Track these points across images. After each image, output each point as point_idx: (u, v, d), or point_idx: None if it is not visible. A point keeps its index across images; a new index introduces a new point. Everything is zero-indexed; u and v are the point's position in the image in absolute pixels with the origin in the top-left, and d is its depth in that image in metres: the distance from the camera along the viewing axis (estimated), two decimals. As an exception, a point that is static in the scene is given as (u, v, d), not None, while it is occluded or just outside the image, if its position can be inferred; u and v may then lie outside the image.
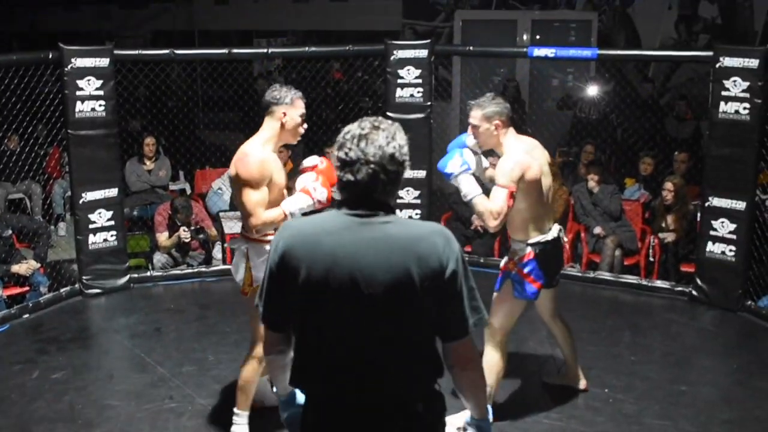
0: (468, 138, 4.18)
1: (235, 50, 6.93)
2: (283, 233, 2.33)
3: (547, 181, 4.15)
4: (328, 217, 2.31)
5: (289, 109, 3.94)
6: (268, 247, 3.92)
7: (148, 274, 6.83)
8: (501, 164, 4.01)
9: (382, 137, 2.26)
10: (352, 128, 2.30)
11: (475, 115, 4.08)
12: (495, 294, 4.29)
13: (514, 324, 4.33)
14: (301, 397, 2.45)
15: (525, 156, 4.03)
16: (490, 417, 2.58)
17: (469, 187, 4.03)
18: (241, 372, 4.16)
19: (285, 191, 4.10)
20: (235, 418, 4.20)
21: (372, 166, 2.23)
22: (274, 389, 2.76)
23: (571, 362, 4.78)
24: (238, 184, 3.89)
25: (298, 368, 2.35)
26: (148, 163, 8.05)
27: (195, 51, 7.21)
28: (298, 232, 2.29)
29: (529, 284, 4.14)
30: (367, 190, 2.25)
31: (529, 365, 5.11)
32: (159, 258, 6.99)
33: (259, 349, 4.00)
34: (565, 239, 4.39)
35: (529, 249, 4.15)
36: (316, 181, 3.98)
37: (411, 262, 2.19)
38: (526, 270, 4.14)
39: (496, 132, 4.06)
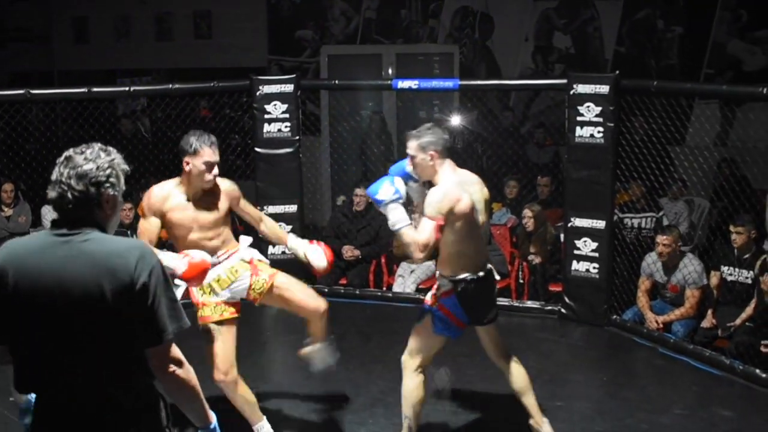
0: (408, 165, 4.12)
1: (95, 89, 6.72)
2: None
3: (481, 218, 4.06)
4: (37, 237, 2.47)
5: (192, 159, 4.01)
6: None
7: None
8: (430, 195, 3.94)
9: (80, 159, 2.39)
10: (68, 151, 2.44)
11: (411, 145, 4.03)
12: (415, 326, 4.20)
13: (430, 359, 4.22)
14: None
15: (456, 188, 3.95)
16: (214, 424, 2.61)
17: (396, 217, 3.95)
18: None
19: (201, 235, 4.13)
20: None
21: (62, 185, 2.36)
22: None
23: (530, 406, 4.40)
24: None
25: (17, 376, 2.45)
26: (6, 209, 7.70)
27: (52, 91, 6.95)
28: (9, 252, 2.40)
29: (452, 322, 4.04)
30: (59, 209, 2.40)
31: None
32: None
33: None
34: (497, 277, 4.26)
35: (450, 285, 4.04)
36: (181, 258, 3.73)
37: (103, 278, 2.31)
38: (446, 306, 4.04)
39: (432, 162, 3.99)
